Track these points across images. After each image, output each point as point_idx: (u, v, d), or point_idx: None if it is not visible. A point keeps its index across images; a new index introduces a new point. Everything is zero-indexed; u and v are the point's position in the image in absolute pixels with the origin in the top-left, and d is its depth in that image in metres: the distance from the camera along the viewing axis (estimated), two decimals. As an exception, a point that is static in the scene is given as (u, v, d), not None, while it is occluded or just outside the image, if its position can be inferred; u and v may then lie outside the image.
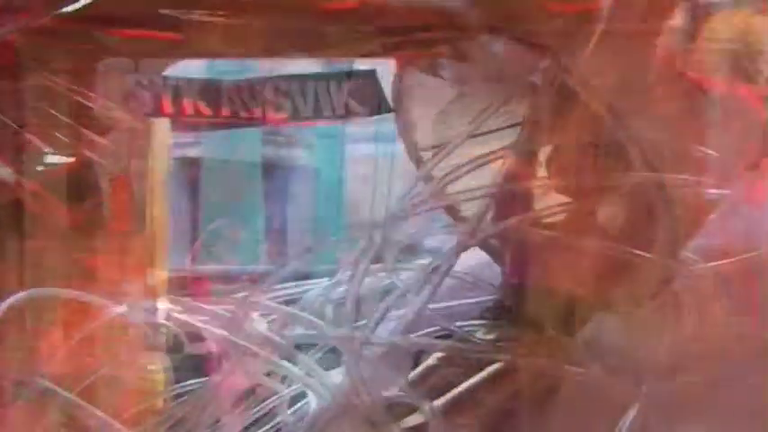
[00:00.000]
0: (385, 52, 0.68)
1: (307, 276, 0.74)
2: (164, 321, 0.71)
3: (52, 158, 0.83)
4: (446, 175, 0.67)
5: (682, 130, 0.67)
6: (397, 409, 0.65)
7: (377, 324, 0.63)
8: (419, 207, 0.68)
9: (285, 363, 0.64)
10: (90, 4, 0.71)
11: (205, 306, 0.67)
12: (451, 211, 0.81)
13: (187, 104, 0.76)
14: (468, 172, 0.70)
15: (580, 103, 0.67)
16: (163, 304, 0.70)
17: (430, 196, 0.69)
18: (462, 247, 0.64)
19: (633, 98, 0.66)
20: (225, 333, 0.65)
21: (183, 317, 0.68)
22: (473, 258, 0.83)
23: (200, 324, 0.66)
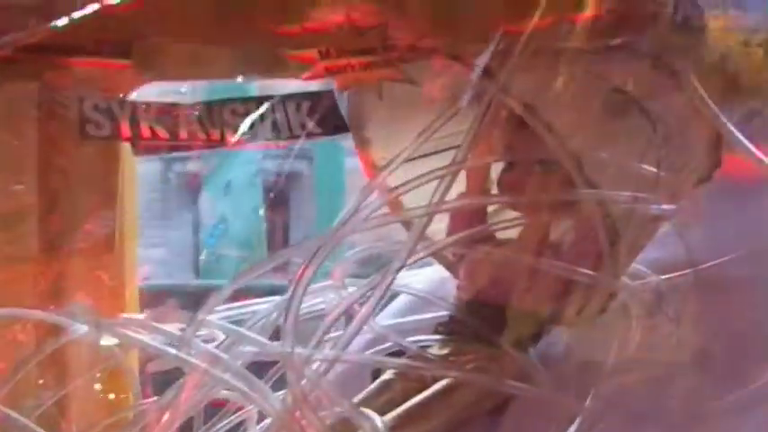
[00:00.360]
0: (327, 74, 0.69)
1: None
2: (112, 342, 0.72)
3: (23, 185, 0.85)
4: (398, 186, 0.69)
5: (623, 147, 0.69)
6: (342, 428, 0.67)
7: (320, 339, 0.64)
8: (372, 221, 0.69)
9: (234, 380, 0.65)
10: (47, 34, 0.73)
11: (157, 324, 0.68)
12: (408, 226, 0.82)
13: (144, 128, 0.77)
14: (419, 185, 0.71)
15: (520, 121, 0.68)
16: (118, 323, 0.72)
17: (382, 208, 0.70)
18: (401, 264, 0.65)
19: (572, 116, 0.67)
20: (174, 351, 0.66)
21: (137, 335, 0.69)
22: (434, 274, 0.85)
23: (151, 342, 0.67)
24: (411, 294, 0.81)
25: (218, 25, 0.80)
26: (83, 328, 0.76)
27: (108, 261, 0.91)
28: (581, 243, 0.73)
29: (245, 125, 0.79)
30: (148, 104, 0.78)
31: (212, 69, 0.87)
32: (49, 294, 0.88)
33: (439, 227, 0.76)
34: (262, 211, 2.95)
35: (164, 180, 3.03)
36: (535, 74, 0.68)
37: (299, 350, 0.63)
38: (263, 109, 0.79)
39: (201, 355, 0.66)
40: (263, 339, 0.67)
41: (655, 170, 0.68)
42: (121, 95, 0.79)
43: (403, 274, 0.86)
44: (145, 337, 0.70)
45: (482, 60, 0.66)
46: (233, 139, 0.80)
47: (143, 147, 0.79)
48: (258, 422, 0.80)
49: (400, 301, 0.84)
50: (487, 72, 0.67)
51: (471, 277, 0.76)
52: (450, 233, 0.77)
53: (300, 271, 0.65)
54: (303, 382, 0.62)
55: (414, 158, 0.80)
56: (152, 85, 0.88)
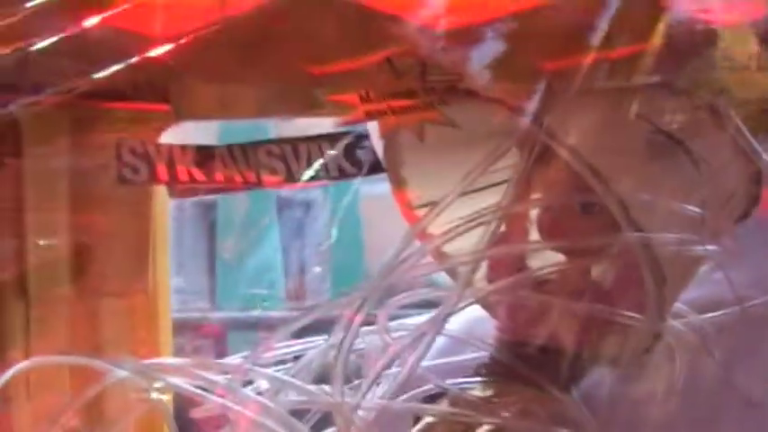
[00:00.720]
0: (368, 118, 0.69)
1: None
2: (160, 385, 0.71)
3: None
4: (444, 233, 0.68)
5: (667, 188, 0.68)
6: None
7: (369, 387, 0.63)
8: (415, 269, 0.68)
9: (280, 429, 0.65)
10: (88, 80, 0.72)
11: (200, 372, 0.67)
12: (449, 271, 0.81)
13: (181, 171, 0.77)
14: (463, 232, 0.70)
15: (562, 163, 0.67)
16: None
17: (425, 255, 0.69)
18: (450, 311, 0.64)
19: (615, 157, 0.66)
20: (220, 399, 0.65)
21: (180, 382, 0.68)
22: (468, 314, 0.84)
23: (195, 390, 0.66)
24: (448, 336, 0.81)
25: (250, 66, 0.80)
26: (122, 373, 0.75)
27: (141, 300, 0.91)
28: (623, 282, 0.72)
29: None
30: (184, 147, 0.77)
31: (242, 109, 0.87)
32: (86, 335, 0.87)
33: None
34: (278, 239, 2.96)
35: (179, 208, 3.04)
36: (577, 115, 0.68)
37: (347, 399, 0.62)
38: (302, 151, 0.79)
39: (247, 402, 0.65)
40: (311, 388, 0.66)
41: (699, 210, 0.68)
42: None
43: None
44: (187, 384, 0.69)
45: (530, 105, 0.65)
46: (269, 179, 0.80)
47: (180, 190, 0.79)
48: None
49: (437, 341, 0.84)
50: (533, 114, 0.66)
51: (512, 318, 0.76)
52: (490, 275, 0.76)
53: (349, 318, 0.64)
54: (352, 429, 0.61)
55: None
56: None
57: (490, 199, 0.76)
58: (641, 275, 0.71)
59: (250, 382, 0.73)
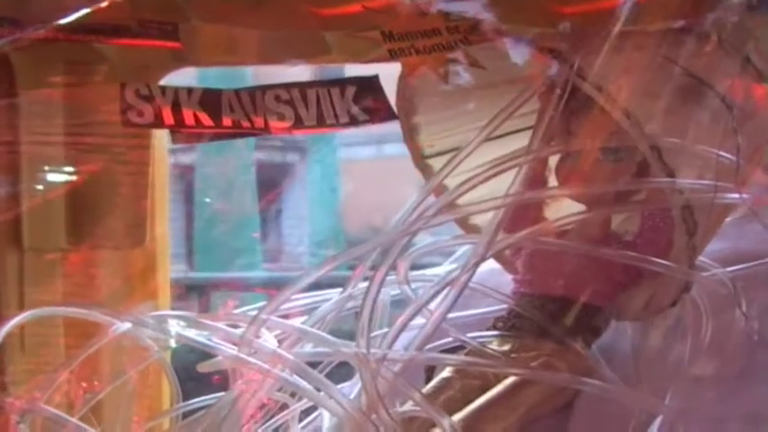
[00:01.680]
0: (392, 58, 0.64)
1: (319, 286, 0.70)
2: (172, 339, 0.67)
3: (51, 176, 0.80)
4: (459, 185, 0.64)
5: (697, 135, 0.64)
6: (414, 424, 0.62)
7: (394, 339, 0.60)
8: (431, 220, 0.65)
9: (297, 379, 0.61)
10: (85, 14, 0.68)
11: (214, 323, 0.63)
12: (462, 221, 0.78)
13: (187, 115, 0.72)
14: (480, 182, 0.66)
15: (593, 107, 0.63)
16: (171, 320, 0.67)
17: (442, 208, 0.65)
18: (479, 260, 0.61)
19: (648, 103, 0.63)
20: (235, 351, 0.61)
21: (192, 333, 0.64)
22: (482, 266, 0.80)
23: (210, 342, 0.62)
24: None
25: (258, 8, 0.75)
26: (125, 325, 0.71)
27: (139, 253, 0.86)
28: (648, 232, 0.69)
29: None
30: (191, 90, 0.73)
31: (248, 54, 0.82)
32: (82, 287, 0.83)
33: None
34: (255, 202, 2.89)
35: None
36: (606, 58, 0.64)
37: (373, 350, 0.58)
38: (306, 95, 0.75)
39: (260, 355, 0.61)
40: (333, 338, 0.62)
41: (731, 157, 0.64)
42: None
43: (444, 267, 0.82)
44: (196, 335, 0.65)
45: (553, 44, 0.61)
46: (278, 125, 0.75)
47: (185, 134, 0.74)
48: (300, 421, 0.76)
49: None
50: (560, 56, 0.63)
51: (531, 270, 0.72)
52: (508, 226, 0.72)
53: (377, 272, 0.60)
54: (379, 381, 0.57)
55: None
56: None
57: (504, 149, 0.72)
58: (667, 225, 0.67)
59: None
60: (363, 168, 2.70)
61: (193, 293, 2.28)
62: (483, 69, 0.64)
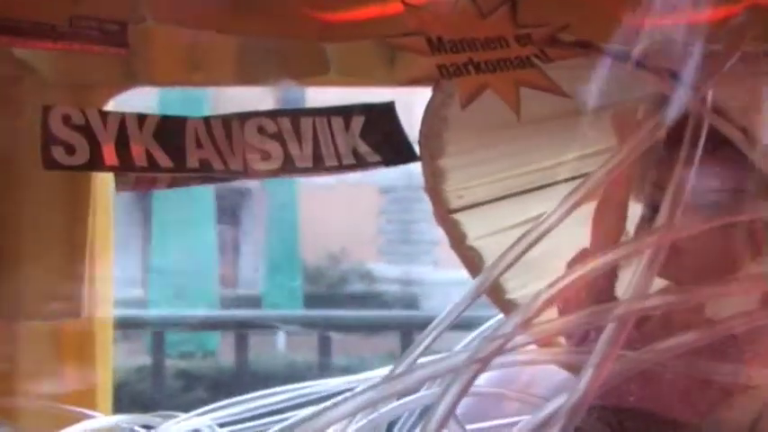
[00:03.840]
0: (442, 76, 0.42)
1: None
2: None
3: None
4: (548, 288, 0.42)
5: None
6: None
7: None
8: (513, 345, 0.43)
9: None
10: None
11: None
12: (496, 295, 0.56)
13: (138, 153, 0.50)
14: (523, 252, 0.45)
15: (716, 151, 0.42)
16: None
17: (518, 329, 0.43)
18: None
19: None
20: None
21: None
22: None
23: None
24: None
25: (236, 10, 0.53)
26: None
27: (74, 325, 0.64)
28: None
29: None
30: (143, 118, 0.50)
31: (223, 72, 0.60)
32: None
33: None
34: (213, 223, 2.70)
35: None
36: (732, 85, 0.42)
37: None
38: (305, 128, 0.53)
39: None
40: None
41: None
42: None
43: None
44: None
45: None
46: (260, 167, 0.53)
47: (133, 179, 0.52)
48: None
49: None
50: (677, 78, 0.41)
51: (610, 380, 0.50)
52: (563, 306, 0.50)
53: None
54: None
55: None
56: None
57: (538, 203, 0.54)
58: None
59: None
60: (323, 195, 2.49)
61: (146, 331, 2.06)
62: (566, 97, 0.42)
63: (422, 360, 0.44)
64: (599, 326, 0.49)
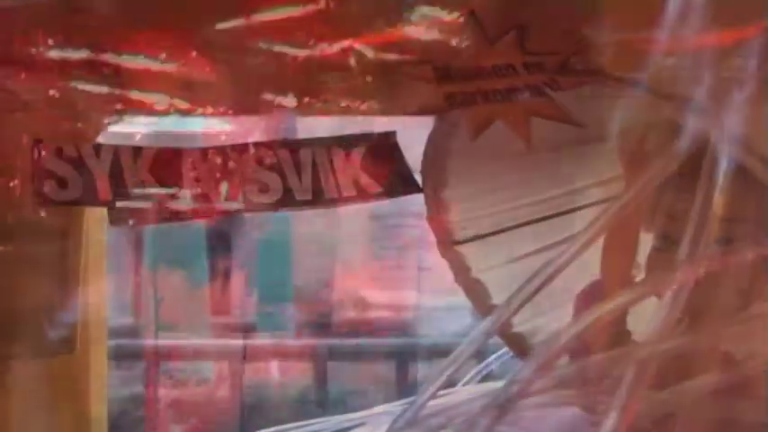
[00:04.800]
0: (450, 107, 0.39)
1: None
2: None
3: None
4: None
5: None
6: None
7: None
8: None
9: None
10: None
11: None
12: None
13: (132, 184, 0.47)
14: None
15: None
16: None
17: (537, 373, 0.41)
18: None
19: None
20: None
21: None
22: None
23: None
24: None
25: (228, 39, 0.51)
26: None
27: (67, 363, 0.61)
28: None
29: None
30: (138, 150, 0.48)
31: (224, 98, 0.58)
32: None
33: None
34: (204, 251, 2.66)
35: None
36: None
37: None
38: (305, 159, 0.50)
39: None
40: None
41: None
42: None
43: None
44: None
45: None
46: (258, 200, 0.51)
47: (127, 213, 0.49)
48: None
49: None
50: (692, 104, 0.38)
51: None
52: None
53: None
54: None
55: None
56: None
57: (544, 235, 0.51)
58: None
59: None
60: (316, 222, 2.46)
61: (139, 361, 2.02)
62: (579, 127, 0.40)
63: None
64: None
